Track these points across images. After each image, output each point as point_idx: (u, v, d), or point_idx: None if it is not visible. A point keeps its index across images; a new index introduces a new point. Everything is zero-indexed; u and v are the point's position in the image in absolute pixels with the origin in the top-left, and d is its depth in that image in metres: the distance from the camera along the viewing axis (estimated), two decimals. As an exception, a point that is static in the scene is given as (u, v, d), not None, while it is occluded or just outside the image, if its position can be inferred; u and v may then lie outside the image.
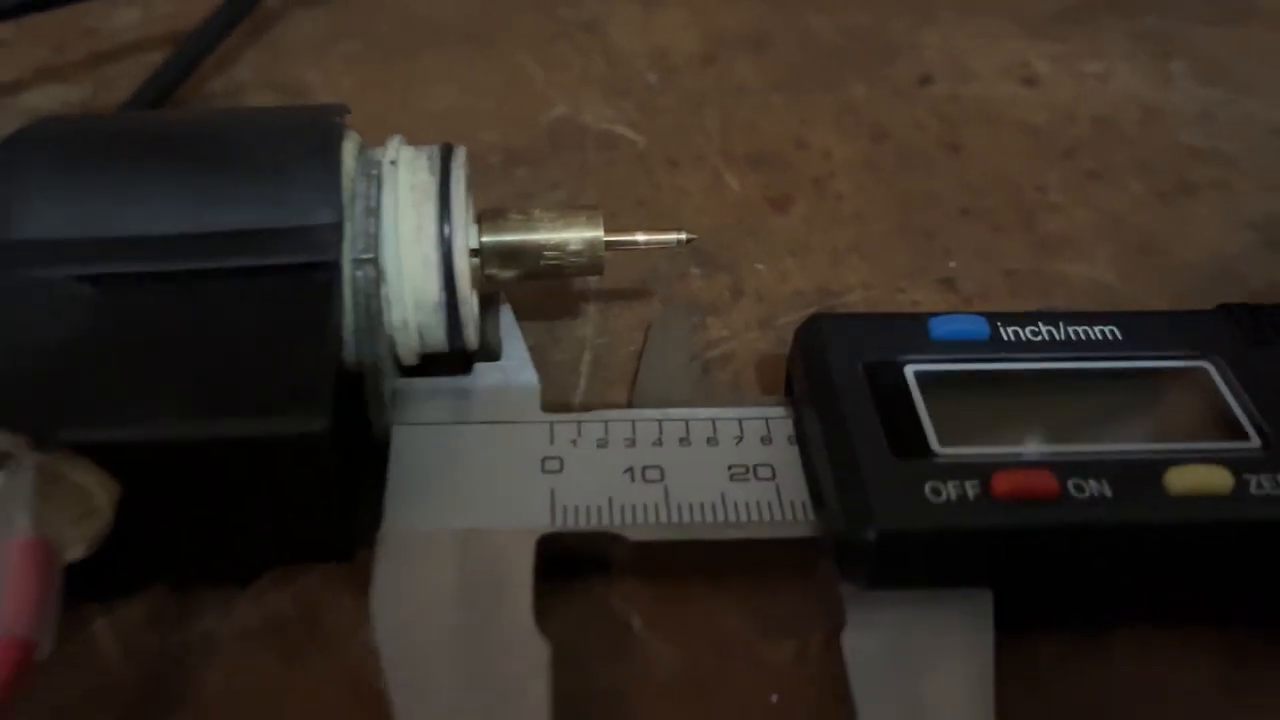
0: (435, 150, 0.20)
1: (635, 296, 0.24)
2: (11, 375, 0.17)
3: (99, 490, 0.17)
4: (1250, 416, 0.19)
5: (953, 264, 0.25)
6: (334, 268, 0.18)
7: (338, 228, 0.18)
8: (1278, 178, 0.28)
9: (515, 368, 0.21)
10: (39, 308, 0.18)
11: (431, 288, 0.19)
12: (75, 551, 0.17)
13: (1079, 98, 0.31)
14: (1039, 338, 0.20)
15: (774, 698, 0.18)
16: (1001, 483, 0.17)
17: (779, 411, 0.20)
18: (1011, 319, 0.20)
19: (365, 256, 0.19)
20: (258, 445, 0.16)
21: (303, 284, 0.18)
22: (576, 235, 0.21)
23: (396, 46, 0.31)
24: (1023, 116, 0.30)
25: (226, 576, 0.19)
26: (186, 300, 0.18)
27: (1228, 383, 0.19)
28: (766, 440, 0.20)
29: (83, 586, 0.17)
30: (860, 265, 0.25)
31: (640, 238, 0.22)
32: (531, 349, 0.22)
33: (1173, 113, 0.30)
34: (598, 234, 0.21)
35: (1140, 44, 0.33)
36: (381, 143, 0.20)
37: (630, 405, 0.21)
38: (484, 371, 0.21)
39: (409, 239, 0.19)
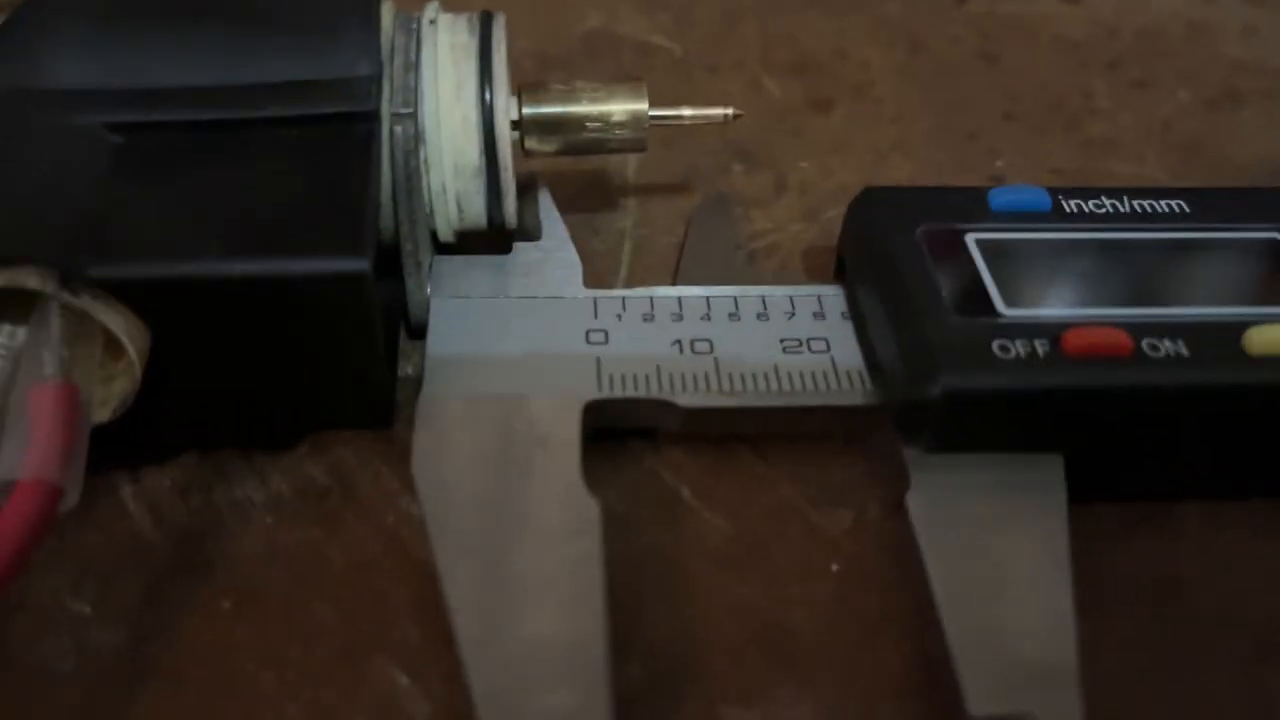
0: (475, 15, 0.19)
1: (675, 190, 0.24)
2: (41, 216, 0.16)
3: (128, 338, 0.16)
4: (1328, 283, 0.18)
5: (1000, 162, 0.25)
6: (373, 118, 0.17)
7: (377, 79, 0.18)
8: (1329, 89, 0.27)
9: (555, 246, 0.20)
10: (71, 153, 0.17)
11: (471, 151, 0.19)
12: (102, 414, 0.17)
13: (1121, 13, 0.30)
14: (1103, 210, 0.19)
15: (834, 566, 0.17)
16: (1073, 340, 0.16)
17: (831, 289, 0.20)
18: (1074, 192, 0.20)
19: (404, 111, 0.18)
20: (297, 286, 0.16)
21: (342, 134, 0.17)
22: (620, 107, 0.20)
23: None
24: (1062, 31, 0.29)
25: (260, 442, 0.18)
26: (224, 150, 0.17)
27: (1302, 253, 0.19)
28: (819, 316, 0.19)
29: (109, 452, 0.16)
30: (904, 163, 0.25)
31: (686, 112, 0.21)
32: (571, 237, 0.21)
33: (1217, 27, 0.30)
34: (642, 106, 0.20)
35: (1182, -34, 0.32)
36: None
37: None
38: (524, 250, 0.20)
39: (449, 98, 0.18)
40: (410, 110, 0.18)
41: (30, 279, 0.15)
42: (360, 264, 0.16)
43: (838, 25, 0.29)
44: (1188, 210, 0.19)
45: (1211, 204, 0.19)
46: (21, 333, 0.16)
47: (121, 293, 0.15)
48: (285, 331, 0.16)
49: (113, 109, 0.17)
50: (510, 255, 0.20)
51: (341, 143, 0.17)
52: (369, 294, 0.16)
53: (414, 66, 0.18)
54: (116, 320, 0.16)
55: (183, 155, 0.17)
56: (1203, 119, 0.26)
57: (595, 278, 0.21)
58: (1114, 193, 0.20)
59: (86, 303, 0.15)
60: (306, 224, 0.16)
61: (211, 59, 0.18)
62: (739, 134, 0.25)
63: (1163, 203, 0.19)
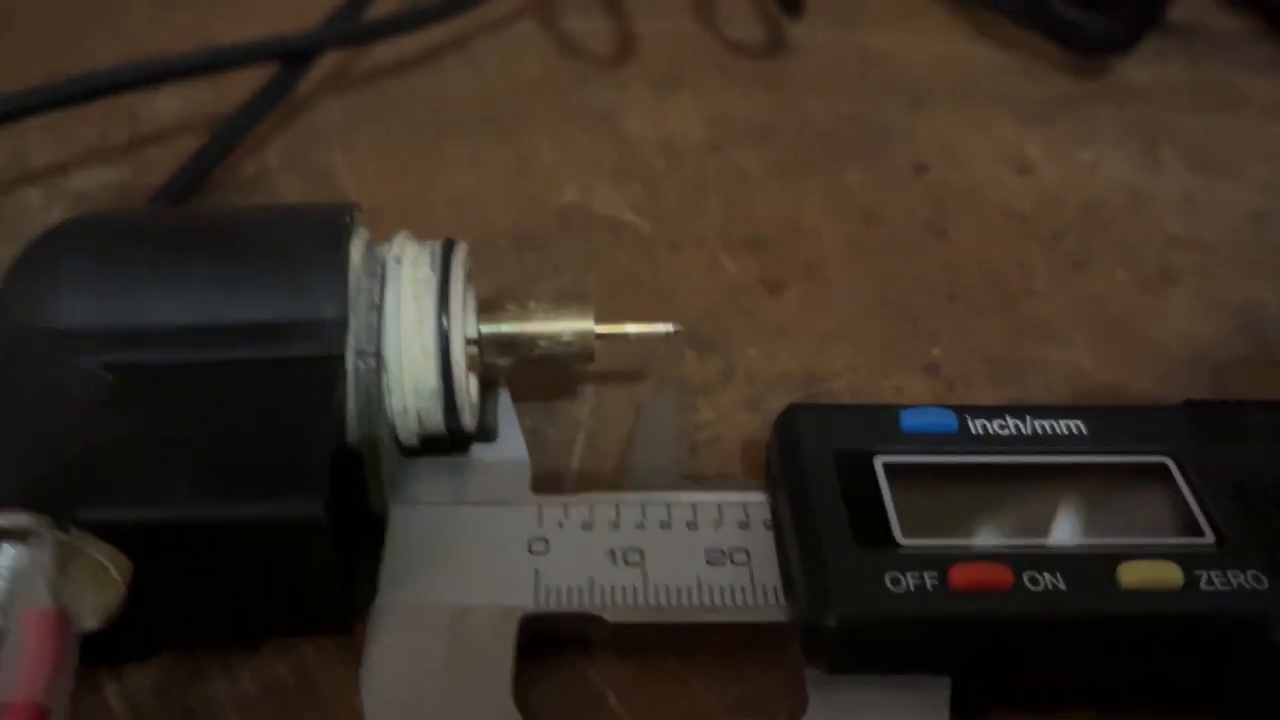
0: (438, 246, 0.22)
1: (630, 378, 0.26)
2: (37, 458, 0.18)
3: (113, 565, 0.18)
4: (1206, 513, 0.20)
5: (936, 350, 0.26)
6: (337, 360, 0.20)
7: (342, 322, 0.20)
8: (1255, 264, 0.29)
9: (508, 448, 0.22)
10: (66, 394, 0.19)
11: (429, 376, 0.21)
12: (90, 622, 0.19)
13: (1068, 184, 0.32)
14: (1006, 431, 0.21)
15: (741, 775, 0.19)
16: (959, 575, 0.18)
17: (757, 497, 0.21)
18: (980, 412, 0.21)
19: (368, 349, 0.20)
20: (259, 526, 0.18)
21: (308, 375, 0.19)
22: (568, 326, 0.22)
23: (418, 132, 0.33)
24: (1011, 201, 0.31)
25: (230, 642, 0.20)
26: (200, 388, 0.19)
27: (1187, 479, 0.20)
28: (744, 525, 0.21)
29: (94, 653, 0.18)
30: (846, 349, 0.26)
31: (630, 329, 0.23)
32: (529, 429, 0.23)
33: (1159, 198, 0.31)
34: (588, 325, 0.22)
35: (1130, 131, 0.34)
36: (395, 232, 0.22)
37: (619, 484, 0.23)
38: (479, 452, 0.22)
39: (410, 331, 0.20)
40: (373, 349, 0.20)
41: (24, 520, 0.17)
42: (315, 508, 0.18)
43: (796, 196, 0.31)
44: (1084, 432, 0.21)
45: (1107, 425, 0.21)
46: (19, 552, 0.18)
47: (105, 532, 0.18)
48: (251, 559, 0.18)
49: (103, 350, 0.19)
50: (466, 457, 0.22)
51: (309, 382, 0.19)
52: (324, 534, 0.18)
53: (378, 307, 0.20)
54: (102, 552, 0.18)
55: (166, 395, 0.19)
56: (1134, 298, 0.28)
57: (549, 469, 0.23)
58: (1017, 411, 0.21)
59: (76, 538, 0.18)
60: (269, 468, 0.18)
61: (194, 300, 0.20)
62: (695, 318, 0.27)
63: (1062, 423, 0.21)
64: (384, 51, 0.36)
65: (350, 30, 0.34)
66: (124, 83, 0.30)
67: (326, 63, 0.34)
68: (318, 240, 0.21)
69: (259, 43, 0.32)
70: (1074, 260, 0.29)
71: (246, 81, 0.32)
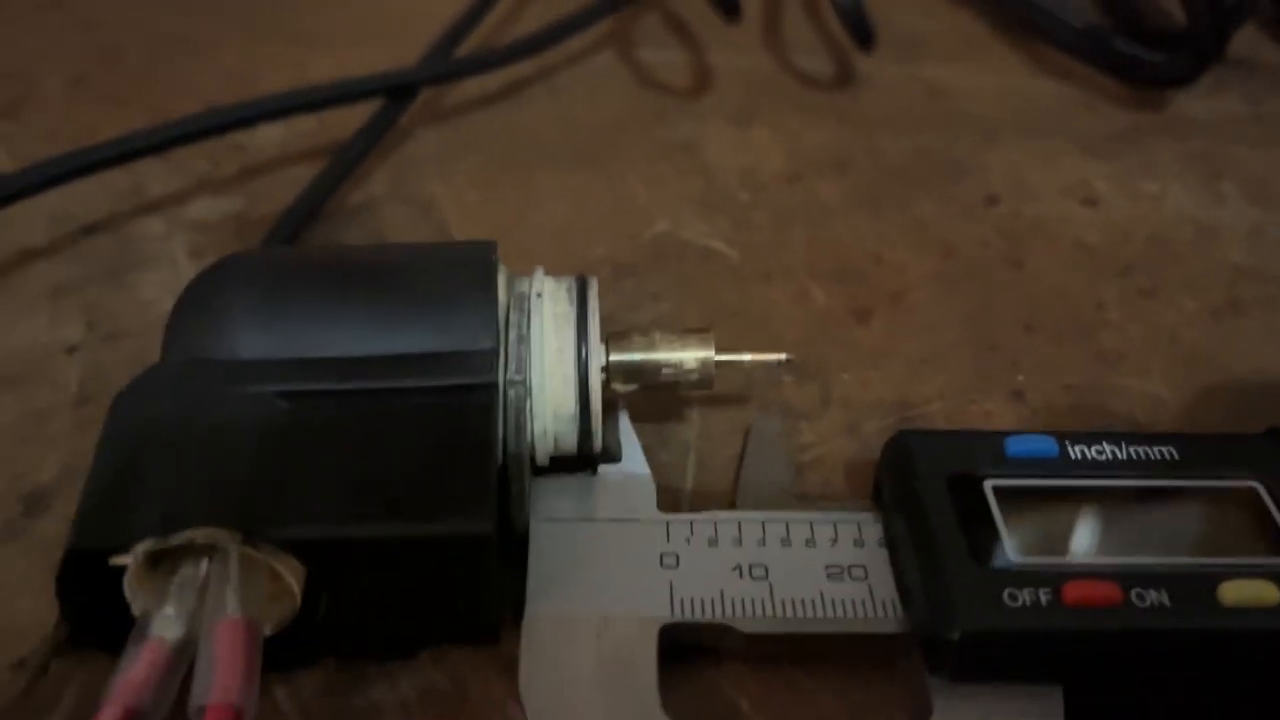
0: (573, 282, 0.23)
1: (733, 402, 0.27)
2: (220, 478, 0.20)
3: (291, 576, 0.20)
4: (1296, 535, 0.21)
5: (1021, 377, 0.28)
6: (493, 388, 0.21)
7: (495, 352, 0.21)
8: (1321, 298, 0.30)
9: (633, 469, 0.24)
10: (243, 419, 0.21)
11: (569, 402, 0.22)
12: (266, 629, 0.20)
13: (1135, 217, 0.33)
14: (1104, 456, 0.22)
15: (868, 776, 0.20)
16: (1071, 591, 0.20)
17: (869, 516, 0.23)
18: (1079, 438, 0.23)
19: (517, 378, 0.22)
20: (429, 544, 0.19)
21: (465, 401, 0.21)
22: (691, 355, 0.24)
23: (512, 164, 0.34)
24: (1081, 235, 0.33)
25: (388, 652, 0.21)
26: (367, 414, 0.21)
27: (1276, 501, 0.22)
28: (859, 543, 0.22)
29: (268, 659, 0.20)
30: (936, 377, 0.28)
31: (746, 357, 0.25)
32: (643, 449, 0.25)
33: (1224, 230, 0.33)
34: (710, 354, 0.24)
35: (1191, 164, 0.35)
36: (512, 260, 0.24)
37: (733, 504, 0.24)
38: (607, 472, 0.24)
39: (552, 361, 0.22)
40: (522, 377, 0.22)
41: (221, 537, 0.19)
42: (485, 526, 0.19)
43: (875, 227, 0.33)
44: (1177, 457, 0.22)
45: (1199, 451, 0.23)
46: (204, 565, 0.20)
47: (288, 547, 0.19)
48: (419, 574, 0.20)
49: (281, 378, 0.21)
50: (596, 477, 0.24)
51: (466, 408, 0.21)
52: (491, 550, 0.19)
53: (526, 339, 0.22)
54: (281, 562, 0.19)
55: (336, 421, 0.21)
56: (1206, 329, 0.30)
57: (664, 491, 0.25)
58: (1113, 438, 0.23)
59: (262, 552, 0.19)
60: (438, 489, 0.20)
61: (358, 333, 0.22)
62: (790, 346, 0.28)
63: (1155, 449, 0.23)
64: (470, 84, 0.37)
65: (449, 66, 0.36)
66: (241, 119, 0.31)
67: (419, 96, 0.36)
68: (469, 277, 0.22)
69: (364, 79, 0.34)
70: (1144, 292, 0.31)
71: (343, 113, 0.34)
